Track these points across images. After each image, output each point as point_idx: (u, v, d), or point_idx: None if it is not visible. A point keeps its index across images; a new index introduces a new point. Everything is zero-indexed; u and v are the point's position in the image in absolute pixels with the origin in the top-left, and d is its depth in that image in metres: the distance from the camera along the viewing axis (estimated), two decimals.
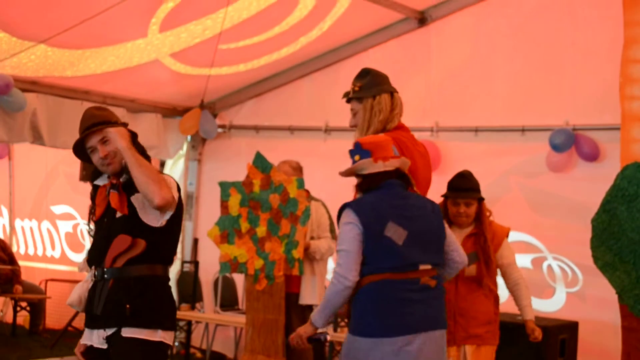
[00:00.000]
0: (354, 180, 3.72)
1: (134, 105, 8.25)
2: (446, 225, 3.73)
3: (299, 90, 8.36)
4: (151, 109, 8.40)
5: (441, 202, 4.62)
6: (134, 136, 3.57)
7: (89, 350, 3.54)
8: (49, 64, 7.06)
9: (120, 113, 7.76)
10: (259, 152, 6.02)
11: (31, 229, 10.19)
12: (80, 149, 3.57)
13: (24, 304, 9.25)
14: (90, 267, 3.57)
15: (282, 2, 6.96)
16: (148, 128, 8.22)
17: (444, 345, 3.61)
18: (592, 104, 6.75)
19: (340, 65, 8.03)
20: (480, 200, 4.65)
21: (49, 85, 7.47)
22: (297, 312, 5.95)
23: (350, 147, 3.67)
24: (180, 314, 7.72)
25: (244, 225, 5.96)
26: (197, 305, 8.24)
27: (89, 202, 3.67)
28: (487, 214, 4.68)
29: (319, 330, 3.67)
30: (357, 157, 3.62)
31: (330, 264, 6.30)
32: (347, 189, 3.72)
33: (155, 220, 3.42)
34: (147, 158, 3.55)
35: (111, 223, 3.49)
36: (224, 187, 6.07)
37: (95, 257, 3.53)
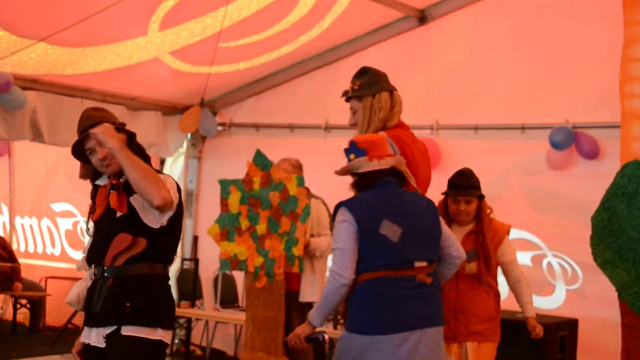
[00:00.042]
0: (352, 179, 3.72)
1: (134, 103, 8.24)
2: (442, 221, 3.73)
3: (299, 89, 8.36)
4: (151, 107, 8.40)
5: (441, 200, 4.63)
6: (132, 136, 3.55)
7: (86, 348, 3.53)
8: (49, 62, 7.06)
9: (120, 111, 7.78)
10: (259, 149, 6.02)
11: (31, 226, 10.19)
12: (79, 150, 3.55)
13: (24, 302, 9.25)
14: (90, 265, 3.57)
15: (282, 1, 6.95)
16: (148, 126, 8.23)
17: (440, 342, 3.62)
18: (592, 102, 6.74)
19: (340, 64, 8.03)
20: (481, 197, 4.65)
21: (49, 83, 7.47)
22: (297, 310, 5.96)
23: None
24: (180, 311, 7.73)
25: (244, 223, 5.96)
26: (197, 302, 8.24)
27: (89, 199, 3.66)
28: (488, 211, 4.68)
29: (317, 330, 3.67)
30: (352, 156, 3.63)
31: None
32: (347, 187, 3.73)
33: (155, 221, 3.41)
34: (147, 157, 3.53)
35: (111, 222, 3.49)
36: (224, 184, 6.07)
37: (95, 256, 3.53)
